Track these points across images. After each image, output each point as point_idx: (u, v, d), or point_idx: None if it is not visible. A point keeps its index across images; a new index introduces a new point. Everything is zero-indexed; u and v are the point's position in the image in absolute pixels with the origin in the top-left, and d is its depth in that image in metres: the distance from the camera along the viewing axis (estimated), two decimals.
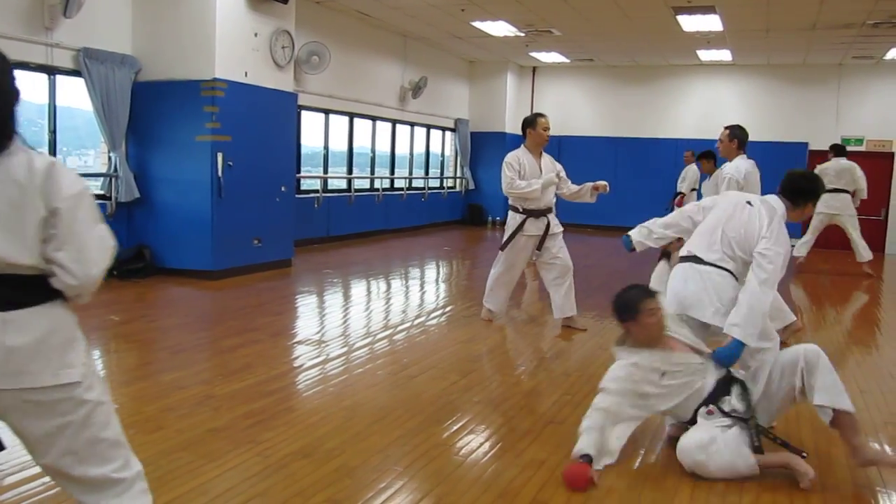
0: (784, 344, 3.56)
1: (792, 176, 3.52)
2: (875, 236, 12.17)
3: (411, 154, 13.61)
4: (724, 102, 13.92)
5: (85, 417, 1.81)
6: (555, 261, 5.71)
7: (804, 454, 3.02)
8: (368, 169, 12.35)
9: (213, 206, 7.40)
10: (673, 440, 3.25)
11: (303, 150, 10.44)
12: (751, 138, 5.83)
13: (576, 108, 15.18)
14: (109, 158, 7.34)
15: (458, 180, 15.17)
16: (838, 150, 9.72)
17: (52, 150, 6.97)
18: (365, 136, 12.10)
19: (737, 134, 5.68)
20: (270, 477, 2.89)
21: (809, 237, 9.68)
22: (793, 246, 3.74)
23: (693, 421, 3.13)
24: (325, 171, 11.17)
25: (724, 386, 3.14)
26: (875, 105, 13.21)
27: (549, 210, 5.71)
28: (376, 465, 3.04)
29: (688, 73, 14.35)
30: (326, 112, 10.89)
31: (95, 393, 1.85)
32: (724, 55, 12.85)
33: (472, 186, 15.08)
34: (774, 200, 3.45)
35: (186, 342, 5.15)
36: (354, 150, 11.76)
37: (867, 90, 13.24)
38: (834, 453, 3.32)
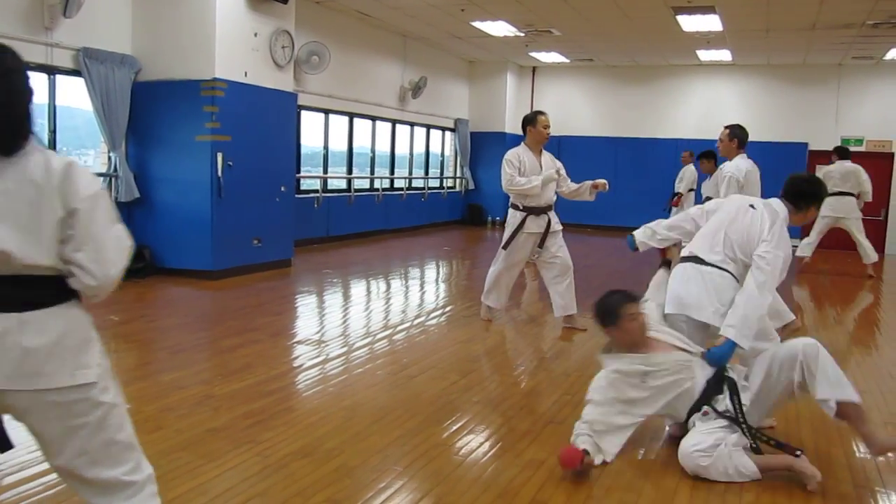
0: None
1: (794, 179, 3.52)
2: (875, 237, 12.13)
3: (411, 154, 13.61)
4: (723, 102, 13.92)
5: (100, 419, 1.81)
6: (555, 260, 5.71)
7: (798, 453, 2.97)
8: (368, 169, 12.36)
9: (213, 206, 7.40)
10: (674, 440, 3.25)
11: (303, 150, 10.44)
12: (750, 139, 5.84)
13: (576, 108, 15.18)
14: (109, 158, 7.34)
15: (457, 180, 15.17)
16: (842, 153, 9.52)
17: (52, 150, 6.94)
18: (365, 136, 12.10)
19: (737, 133, 5.68)
20: (270, 477, 2.89)
21: (814, 238, 9.51)
22: (795, 247, 3.74)
23: (688, 422, 3.12)
24: (325, 171, 11.17)
25: (717, 385, 3.11)
26: (875, 105, 13.21)
27: (549, 207, 5.71)
28: (376, 465, 3.04)
29: (688, 73, 14.35)
30: (326, 112, 10.88)
31: (111, 395, 1.85)
32: (724, 55, 12.86)
33: (471, 186, 15.08)
34: (777, 204, 3.45)
35: (186, 342, 5.15)
36: (354, 150, 11.76)
37: (867, 90, 13.24)
38: (834, 453, 3.32)
